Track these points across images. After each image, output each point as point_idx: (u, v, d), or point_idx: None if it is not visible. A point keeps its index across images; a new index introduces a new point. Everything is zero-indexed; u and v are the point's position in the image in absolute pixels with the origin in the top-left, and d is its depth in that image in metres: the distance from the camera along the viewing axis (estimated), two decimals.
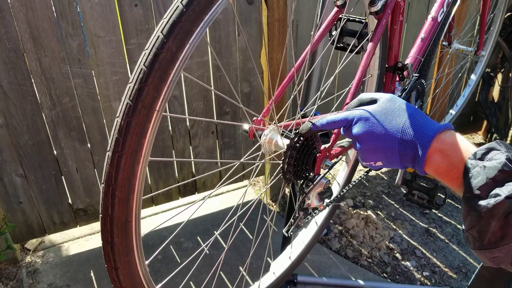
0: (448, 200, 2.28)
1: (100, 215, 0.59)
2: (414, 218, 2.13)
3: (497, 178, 0.52)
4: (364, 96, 0.71)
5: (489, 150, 0.56)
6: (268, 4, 1.68)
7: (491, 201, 0.51)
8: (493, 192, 0.51)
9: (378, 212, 2.16)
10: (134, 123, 0.57)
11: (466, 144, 0.59)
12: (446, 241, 2.00)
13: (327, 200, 0.86)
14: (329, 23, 0.99)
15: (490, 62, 2.56)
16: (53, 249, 1.93)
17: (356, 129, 0.67)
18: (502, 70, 2.57)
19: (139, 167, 0.59)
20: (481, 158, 0.55)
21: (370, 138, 0.65)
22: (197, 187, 2.10)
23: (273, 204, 2.21)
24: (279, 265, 1.32)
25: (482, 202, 0.51)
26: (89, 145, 1.76)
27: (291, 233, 0.90)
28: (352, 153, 1.34)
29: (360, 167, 1.53)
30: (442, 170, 0.60)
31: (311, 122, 0.73)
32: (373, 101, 0.69)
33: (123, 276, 0.65)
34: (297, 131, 0.81)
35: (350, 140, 0.71)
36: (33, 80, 1.55)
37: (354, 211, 2.12)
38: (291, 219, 0.89)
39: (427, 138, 0.61)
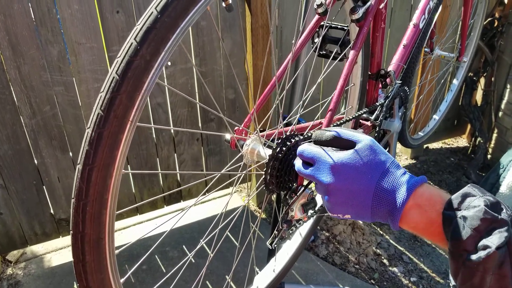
0: None
1: (71, 231, 0.56)
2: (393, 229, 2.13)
3: (480, 228, 0.49)
4: (341, 134, 0.65)
5: (464, 197, 0.53)
6: (252, 10, 1.67)
7: (481, 255, 0.48)
8: (481, 243, 0.48)
9: None
10: (106, 135, 0.55)
11: (442, 195, 0.57)
12: (433, 246, 2.00)
13: (311, 211, 0.84)
14: (311, 30, 0.98)
15: (473, 66, 2.59)
16: (35, 260, 1.89)
17: (327, 178, 0.61)
18: (484, 75, 2.60)
19: (111, 181, 0.56)
20: (458, 208, 0.52)
21: (342, 193, 0.61)
22: (183, 195, 2.07)
23: (260, 210, 2.20)
24: (263, 279, 1.30)
25: (473, 257, 0.48)
26: (71, 154, 1.72)
27: (275, 245, 0.88)
28: None
29: None
30: (420, 226, 0.57)
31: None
32: (349, 143, 0.63)
33: None
34: (279, 141, 0.80)
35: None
36: (12, 89, 1.51)
37: None
38: (274, 231, 0.87)
39: (404, 195, 0.57)
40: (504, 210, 0.51)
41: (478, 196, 0.52)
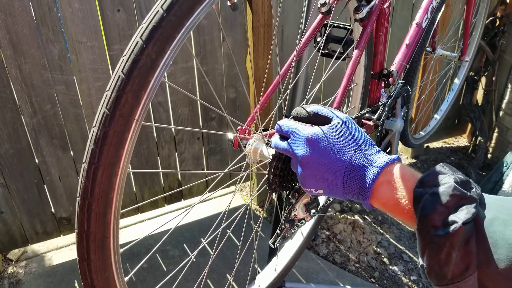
0: None
1: (76, 230, 0.56)
2: (400, 222, 2.14)
3: (449, 204, 0.49)
4: (319, 110, 0.66)
5: (436, 174, 0.53)
6: (253, 9, 1.67)
7: (449, 230, 0.47)
8: (449, 219, 0.48)
9: (365, 216, 2.15)
10: (112, 133, 0.55)
11: (415, 174, 0.56)
12: None
13: (313, 211, 0.84)
14: (314, 29, 0.98)
15: (474, 66, 2.59)
16: (36, 259, 1.89)
17: (301, 151, 0.62)
18: (486, 74, 2.60)
19: (117, 180, 0.56)
20: (429, 185, 0.52)
21: (315, 166, 0.61)
22: (183, 194, 2.07)
23: (261, 210, 2.20)
24: (265, 278, 1.30)
25: (439, 232, 0.48)
26: (72, 153, 1.72)
27: (277, 244, 0.88)
28: None
29: None
30: (390, 203, 0.56)
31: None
32: (326, 119, 0.64)
33: None
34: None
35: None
36: (13, 87, 1.51)
37: (341, 216, 2.12)
38: (277, 231, 0.87)
39: (374, 171, 0.57)
40: (474, 189, 0.51)
41: (449, 174, 0.52)
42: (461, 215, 0.48)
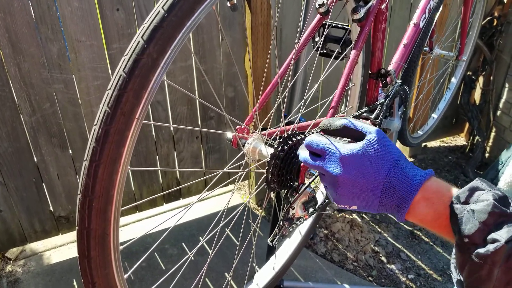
0: None
1: (76, 227, 0.57)
2: (400, 222, 2.15)
3: (489, 222, 0.49)
4: (350, 124, 0.64)
5: (473, 191, 0.53)
6: (252, 8, 1.68)
7: (490, 248, 0.48)
8: (490, 237, 0.49)
9: (363, 215, 2.16)
10: (113, 131, 0.55)
11: (450, 188, 0.57)
12: (431, 243, 2.02)
13: (311, 210, 0.85)
14: (313, 29, 0.98)
15: (472, 65, 2.60)
16: (35, 257, 1.89)
17: (336, 170, 0.61)
18: (483, 73, 2.61)
19: (117, 177, 0.57)
20: (466, 201, 0.53)
21: (352, 184, 0.60)
22: (182, 193, 2.08)
23: (259, 208, 2.20)
24: (263, 276, 1.31)
25: (481, 250, 0.49)
26: (70, 152, 1.72)
27: (276, 242, 0.89)
28: None
29: None
30: (427, 219, 0.57)
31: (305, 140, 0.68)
32: (358, 135, 0.63)
33: None
34: (281, 140, 0.80)
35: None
36: (12, 86, 1.51)
37: (340, 215, 2.13)
38: (275, 229, 0.88)
39: (412, 188, 0.58)
40: None
41: (487, 190, 0.53)
42: (502, 233, 0.48)
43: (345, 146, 0.61)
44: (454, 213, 0.53)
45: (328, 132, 0.66)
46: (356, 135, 0.63)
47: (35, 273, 1.79)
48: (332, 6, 0.92)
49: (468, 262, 0.50)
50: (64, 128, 1.67)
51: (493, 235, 0.48)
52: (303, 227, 1.36)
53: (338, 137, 0.65)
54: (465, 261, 0.51)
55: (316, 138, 0.64)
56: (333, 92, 0.91)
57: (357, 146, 0.61)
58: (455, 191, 0.56)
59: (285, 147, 0.80)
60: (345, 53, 1.01)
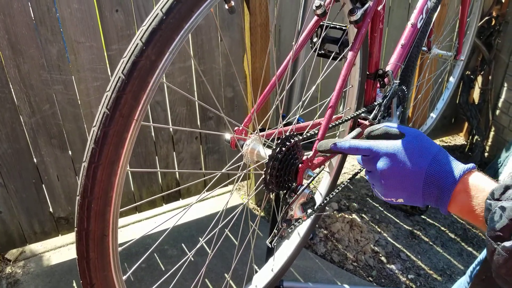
0: None
1: (75, 228, 0.57)
2: (398, 221, 2.15)
3: None
4: (390, 127, 0.72)
5: (506, 189, 0.57)
6: (250, 9, 1.68)
7: None
8: None
9: (363, 215, 2.17)
10: (111, 133, 0.56)
11: (489, 183, 0.61)
12: (430, 243, 2.02)
13: (310, 211, 0.85)
14: (310, 30, 0.99)
15: (470, 65, 2.60)
16: (34, 259, 1.89)
17: (381, 164, 0.68)
18: (482, 73, 2.62)
19: (116, 179, 0.57)
20: (499, 198, 0.57)
21: (396, 177, 0.67)
22: (181, 193, 2.08)
23: (258, 208, 2.21)
24: (262, 278, 1.31)
25: (507, 244, 0.53)
26: (70, 153, 1.73)
27: (275, 243, 0.89)
28: (335, 161, 1.34)
29: (343, 170, 1.52)
30: (465, 210, 0.62)
31: (334, 142, 0.74)
32: (398, 135, 0.70)
33: None
34: (279, 141, 0.80)
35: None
36: (11, 87, 1.52)
37: (339, 215, 2.13)
38: (274, 230, 0.88)
39: (452, 180, 0.62)
40: None
41: None
42: None
43: (386, 143, 0.69)
44: (487, 207, 0.58)
45: (372, 137, 0.74)
46: (397, 137, 0.71)
47: (34, 274, 1.80)
48: (329, 8, 0.92)
49: (495, 252, 0.55)
50: (64, 129, 1.67)
51: None
52: (302, 228, 1.37)
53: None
54: (493, 252, 0.55)
55: (359, 143, 0.73)
56: (331, 93, 0.91)
57: (399, 143, 0.68)
58: (492, 185, 0.60)
59: (283, 149, 0.80)
60: (343, 54, 1.01)
